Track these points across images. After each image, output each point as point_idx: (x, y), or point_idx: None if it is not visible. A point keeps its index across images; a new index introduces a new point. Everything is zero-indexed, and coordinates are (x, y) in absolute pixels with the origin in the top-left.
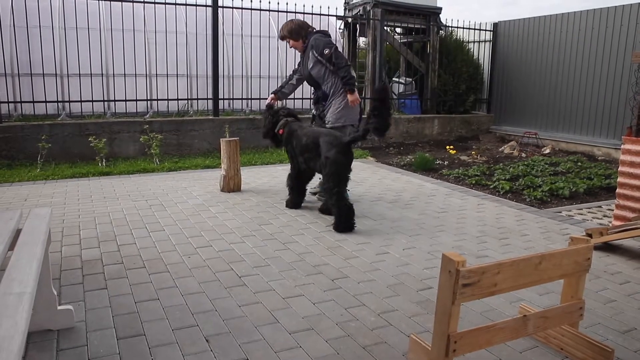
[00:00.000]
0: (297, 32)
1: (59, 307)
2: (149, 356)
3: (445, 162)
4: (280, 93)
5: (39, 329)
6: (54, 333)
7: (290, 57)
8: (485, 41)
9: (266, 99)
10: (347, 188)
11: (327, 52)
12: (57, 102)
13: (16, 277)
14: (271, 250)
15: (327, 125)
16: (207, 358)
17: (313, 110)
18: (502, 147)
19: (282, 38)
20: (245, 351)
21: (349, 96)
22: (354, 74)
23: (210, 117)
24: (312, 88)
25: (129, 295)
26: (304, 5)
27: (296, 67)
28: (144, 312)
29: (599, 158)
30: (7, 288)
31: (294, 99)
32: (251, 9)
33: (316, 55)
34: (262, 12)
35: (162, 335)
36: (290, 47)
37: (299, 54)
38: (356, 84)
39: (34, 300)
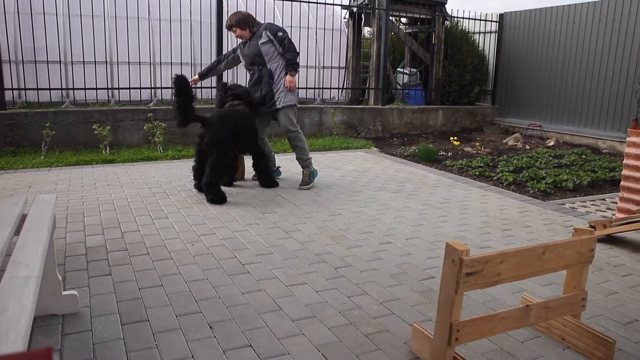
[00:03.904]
0: (245, 22)
1: (64, 293)
2: (153, 342)
3: (449, 153)
4: (206, 76)
5: (44, 314)
6: (58, 318)
7: None
8: (490, 32)
9: None
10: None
11: (281, 34)
12: (61, 89)
13: (22, 261)
14: (274, 239)
15: (277, 105)
16: (210, 344)
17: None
18: (506, 139)
19: (229, 27)
20: (248, 338)
21: (288, 77)
22: (299, 61)
23: (214, 106)
24: (250, 71)
25: (133, 281)
26: None
27: (229, 52)
28: (148, 299)
29: (604, 151)
30: (13, 272)
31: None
32: None
33: (269, 34)
34: (266, 0)
35: (166, 321)
36: (236, 37)
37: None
38: (298, 70)
39: (40, 285)
